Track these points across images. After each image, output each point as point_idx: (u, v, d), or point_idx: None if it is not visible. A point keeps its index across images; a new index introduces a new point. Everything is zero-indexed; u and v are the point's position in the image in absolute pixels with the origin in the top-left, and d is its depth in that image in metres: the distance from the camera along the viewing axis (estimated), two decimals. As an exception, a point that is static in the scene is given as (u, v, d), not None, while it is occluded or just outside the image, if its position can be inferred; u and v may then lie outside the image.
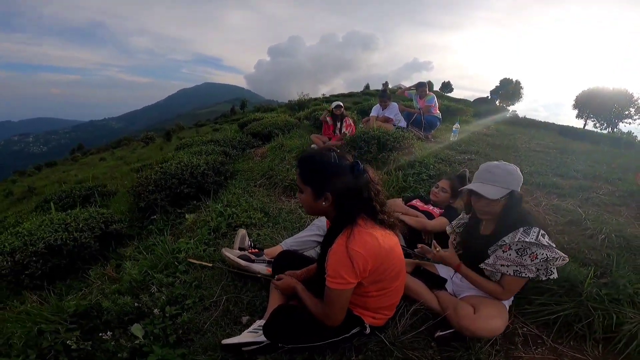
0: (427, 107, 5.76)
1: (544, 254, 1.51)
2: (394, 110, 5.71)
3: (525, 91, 27.65)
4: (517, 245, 1.55)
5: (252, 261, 2.22)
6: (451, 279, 1.93)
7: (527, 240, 1.51)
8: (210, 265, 2.32)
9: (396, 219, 1.54)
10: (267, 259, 2.26)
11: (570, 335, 1.66)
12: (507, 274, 1.59)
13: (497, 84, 28.06)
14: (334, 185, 1.36)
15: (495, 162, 1.67)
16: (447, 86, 34.32)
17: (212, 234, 2.85)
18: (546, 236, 1.54)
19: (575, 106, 21.51)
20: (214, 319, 1.86)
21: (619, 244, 2.17)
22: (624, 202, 2.94)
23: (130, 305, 1.91)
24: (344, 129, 5.23)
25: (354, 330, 1.55)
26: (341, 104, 5.50)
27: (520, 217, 1.60)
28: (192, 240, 2.66)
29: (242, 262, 2.18)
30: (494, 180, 1.57)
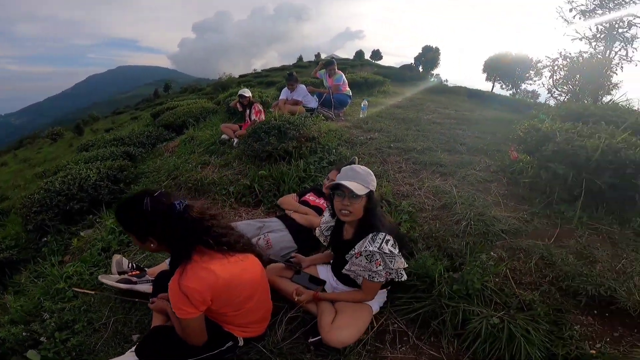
0: (335, 86, 5.76)
1: (386, 261, 1.61)
2: (302, 92, 5.63)
3: (443, 59, 29.30)
4: (365, 252, 1.63)
5: (135, 283, 2.19)
6: (330, 280, 1.99)
7: (370, 249, 1.60)
8: (93, 292, 2.27)
9: (246, 241, 1.61)
10: (150, 278, 2.21)
11: (430, 331, 1.80)
12: (365, 277, 1.68)
13: (420, 50, 29.24)
14: (152, 230, 1.35)
15: (355, 165, 1.71)
16: (376, 54, 34.87)
17: (102, 254, 2.72)
18: (390, 242, 1.62)
19: (484, 70, 23.42)
20: (105, 340, 1.92)
21: (479, 230, 2.34)
22: (496, 177, 3.21)
23: (21, 335, 1.95)
24: (253, 116, 5.02)
25: (229, 344, 1.61)
26: (246, 92, 5.24)
27: (374, 221, 1.66)
28: (80, 263, 2.56)
29: (122, 286, 2.17)
30: (357, 178, 1.61)
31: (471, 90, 14.37)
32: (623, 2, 7.09)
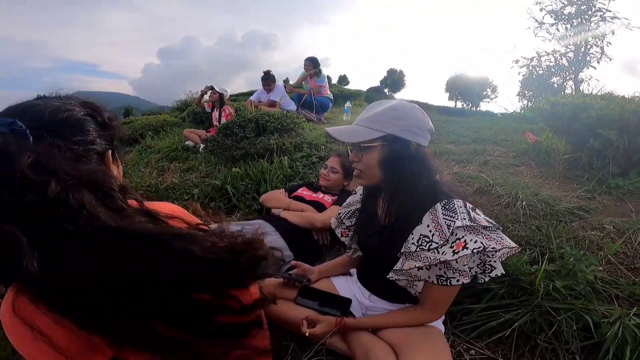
0: (317, 87, 5.17)
1: (487, 238, 0.89)
2: (279, 92, 4.97)
3: (407, 80, 30.44)
4: (434, 235, 0.93)
5: None
6: (357, 298, 1.26)
7: (457, 223, 0.89)
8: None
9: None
10: None
11: (532, 347, 1.16)
12: (430, 281, 0.98)
13: (385, 74, 30.22)
14: None
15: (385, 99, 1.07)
16: (343, 79, 35.72)
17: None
18: (476, 210, 0.96)
19: (446, 90, 24.79)
20: None
21: (543, 211, 1.81)
22: (521, 161, 2.78)
23: None
24: (222, 119, 4.30)
25: None
26: (215, 87, 4.53)
27: (419, 183, 0.99)
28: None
29: None
30: (366, 119, 1.02)
31: (440, 107, 14.69)
32: None
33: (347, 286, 1.30)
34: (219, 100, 4.45)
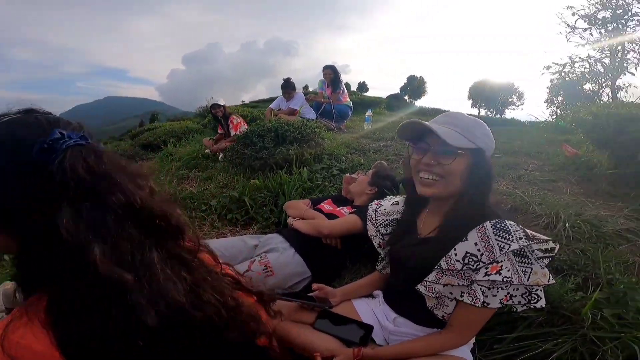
0: (335, 96, 5.08)
1: (525, 266, 0.87)
2: (299, 100, 4.93)
3: (428, 87, 30.04)
4: (478, 254, 0.88)
5: None
6: (380, 322, 1.16)
7: (513, 246, 0.85)
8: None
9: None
10: None
11: None
12: (464, 300, 0.90)
13: (405, 81, 29.95)
14: None
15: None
16: (362, 86, 35.69)
17: None
18: (526, 235, 0.88)
19: (469, 97, 24.20)
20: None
21: (588, 232, 1.64)
22: (559, 176, 2.56)
23: None
24: (232, 131, 4.25)
25: None
26: (220, 101, 4.46)
27: (483, 203, 0.96)
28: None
29: None
30: (453, 123, 0.97)
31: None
32: (627, 3, 6.78)
33: (370, 309, 1.21)
34: (224, 113, 4.40)
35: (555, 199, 2.03)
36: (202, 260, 0.63)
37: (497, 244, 0.85)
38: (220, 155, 3.92)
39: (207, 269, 0.62)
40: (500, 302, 0.87)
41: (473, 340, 1.08)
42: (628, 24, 6.76)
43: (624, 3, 6.65)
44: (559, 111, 7.69)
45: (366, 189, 1.95)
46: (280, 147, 2.85)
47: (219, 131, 4.54)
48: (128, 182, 0.50)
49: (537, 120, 7.06)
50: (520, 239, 0.84)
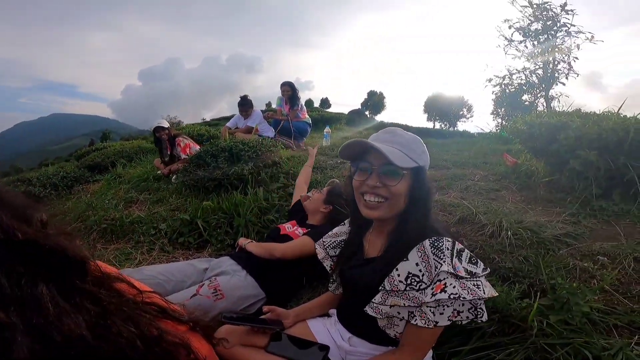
0: (294, 112, 5.04)
1: (465, 287, 0.86)
2: (257, 118, 4.86)
3: (387, 101, 31.35)
4: (419, 274, 0.89)
5: None
6: (335, 342, 1.14)
7: (442, 268, 0.85)
8: None
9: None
10: None
11: None
12: (414, 322, 0.89)
13: (366, 96, 31.03)
14: None
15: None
16: (325, 102, 36.38)
17: None
18: (465, 253, 0.90)
19: (424, 110, 25.60)
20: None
21: (529, 239, 1.73)
22: (502, 185, 2.71)
23: None
24: (180, 154, 4.06)
25: None
26: (164, 123, 4.24)
27: (426, 220, 0.97)
28: None
29: None
30: (396, 141, 0.97)
31: (419, 128, 15.05)
32: (555, 15, 7.33)
33: (325, 330, 1.19)
34: (169, 135, 4.16)
35: (498, 207, 2.14)
36: (117, 291, 0.58)
37: (434, 263, 0.86)
38: (174, 177, 3.73)
39: (122, 300, 0.57)
40: (449, 319, 0.87)
41: (431, 354, 1.09)
42: (557, 35, 7.34)
43: (553, 14, 7.25)
44: (503, 122, 8.23)
45: (321, 207, 1.96)
46: (234, 167, 2.77)
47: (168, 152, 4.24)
48: (9, 217, 0.46)
49: (484, 131, 7.55)
50: (449, 265, 0.85)
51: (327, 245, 1.22)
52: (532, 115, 2.85)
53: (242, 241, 1.84)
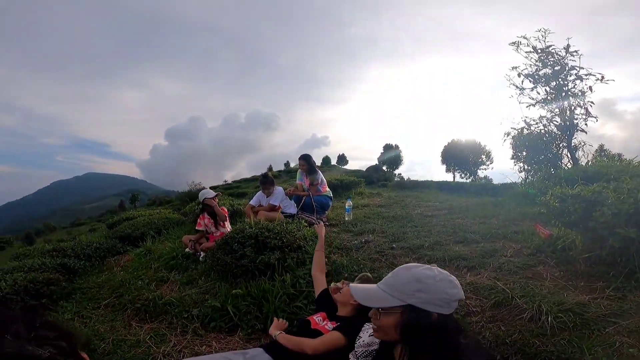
0: (314, 187, 5.09)
1: None
2: (279, 196, 4.89)
3: (403, 151, 31.57)
4: None
5: None
6: None
7: None
8: None
9: None
10: None
11: None
12: None
13: (382, 150, 31.53)
14: None
15: (415, 264, 1.10)
16: (342, 159, 37.22)
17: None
18: None
19: (442, 161, 25.48)
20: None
21: (572, 321, 1.66)
22: (538, 260, 2.60)
23: None
24: (219, 227, 4.20)
25: None
26: (211, 193, 4.38)
27: (446, 353, 0.97)
28: None
29: None
30: (389, 282, 1.08)
31: (440, 182, 14.89)
32: (561, 57, 7.04)
33: None
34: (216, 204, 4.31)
35: (535, 287, 2.05)
36: None
37: None
38: (202, 255, 3.81)
39: None
40: None
41: None
42: (568, 79, 7.18)
43: (559, 57, 7.14)
44: (525, 166, 7.85)
45: (351, 300, 1.94)
46: (261, 255, 2.83)
47: (197, 227, 4.33)
48: None
49: (508, 181, 7.29)
50: None
51: (359, 354, 1.28)
52: (562, 189, 2.74)
53: (273, 331, 1.89)
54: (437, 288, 1.00)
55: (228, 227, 4.28)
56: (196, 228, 4.40)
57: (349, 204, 5.12)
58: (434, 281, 1.01)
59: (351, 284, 1.15)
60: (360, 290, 1.10)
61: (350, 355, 1.32)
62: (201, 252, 3.85)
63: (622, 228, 2.07)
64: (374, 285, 1.09)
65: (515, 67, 7.50)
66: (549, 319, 1.71)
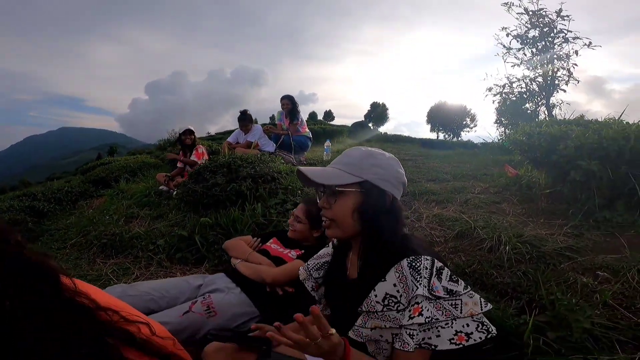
0: (294, 127, 5.03)
1: (446, 308, 0.83)
2: (257, 133, 4.84)
3: (390, 112, 31.47)
4: (396, 296, 0.86)
5: None
6: None
7: (416, 291, 0.81)
8: None
9: None
10: None
11: None
12: (400, 347, 0.84)
13: (369, 108, 31.21)
14: None
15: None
16: (329, 115, 36.68)
17: None
18: (445, 272, 0.86)
19: (428, 121, 25.64)
20: None
21: (529, 254, 1.69)
22: (503, 197, 2.68)
23: None
24: (193, 157, 4.20)
25: None
26: (191, 128, 4.45)
27: (388, 237, 0.92)
28: None
29: None
30: (342, 161, 0.98)
31: (423, 139, 15.01)
32: (552, 21, 7.18)
33: None
34: (193, 141, 4.41)
35: (498, 221, 2.10)
36: (88, 310, 0.60)
37: (411, 285, 0.83)
38: (175, 192, 3.76)
39: (91, 322, 0.59)
40: (453, 342, 0.81)
41: None
42: (555, 42, 7.22)
43: (549, 20, 7.16)
44: (507, 131, 8.08)
45: (310, 235, 1.82)
46: (232, 184, 2.77)
47: (178, 165, 4.42)
48: None
49: (487, 141, 7.49)
50: (425, 287, 0.81)
51: (310, 267, 1.20)
52: (531, 124, 2.81)
53: (234, 260, 1.79)
54: (389, 165, 0.96)
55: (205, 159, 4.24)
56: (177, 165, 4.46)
57: (327, 144, 5.09)
58: (385, 157, 0.97)
59: (299, 167, 1.01)
60: (313, 170, 0.95)
61: (300, 268, 1.26)
62: (175, 190, 3.81)
63: (584, 160, 2.10)
64: (329, 168, 0.99)
65: (505, 28, 7.54)
66: (507, 248, 1.74)
